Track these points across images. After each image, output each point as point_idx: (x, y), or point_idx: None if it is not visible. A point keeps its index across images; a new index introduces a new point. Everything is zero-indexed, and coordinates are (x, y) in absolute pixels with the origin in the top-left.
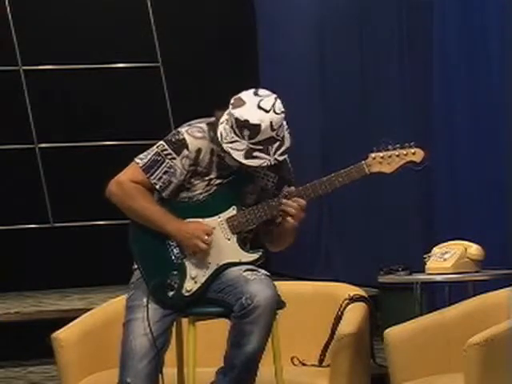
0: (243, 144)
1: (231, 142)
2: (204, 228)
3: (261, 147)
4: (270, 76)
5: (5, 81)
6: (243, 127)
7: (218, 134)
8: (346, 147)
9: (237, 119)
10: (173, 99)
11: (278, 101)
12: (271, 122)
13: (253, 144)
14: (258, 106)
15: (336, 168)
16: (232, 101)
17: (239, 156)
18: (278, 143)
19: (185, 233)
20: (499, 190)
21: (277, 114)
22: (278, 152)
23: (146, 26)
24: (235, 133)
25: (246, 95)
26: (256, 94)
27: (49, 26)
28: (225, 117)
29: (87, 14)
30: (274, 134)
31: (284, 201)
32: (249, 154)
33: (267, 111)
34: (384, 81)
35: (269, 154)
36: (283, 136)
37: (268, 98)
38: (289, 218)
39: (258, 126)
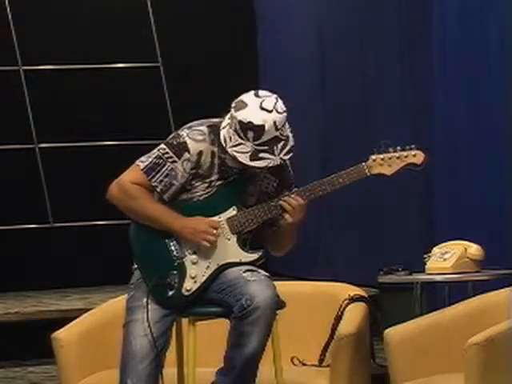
0: (248, 146)
1: (236, 146)
2: (209, 222)
3: (266, 148)
4: (270, 76)
5: (5, 81)
6: (247, 129)
7: (221, 139)
8: (346, 147)
9: (240, 122)
10: (173, 99)
11: (280, 100)
12: (275, 122)
13: (258, 145)
14: (260, 107)
15: (336, 168)
16: (233, 104)
17: (245, 158)
18: (282, 142)
19: (190, 229)
20: (499, 189)
21: (279, 113)
22: (284, 151)
23: (146, 26)
24: (239, 135)
25: (247, 97)
26: (257, 95)
27: (49, 26)
28: (226, 121)
29: (87, 14)
30: (278, 133)
31: (283, 198)
32: (254, 156)
33: (270, 111)
34: (384, 81)
35: (274, 154)
36: (287, 135)
37: (269, 99)
38: (287, 216)
39: (262, 126)
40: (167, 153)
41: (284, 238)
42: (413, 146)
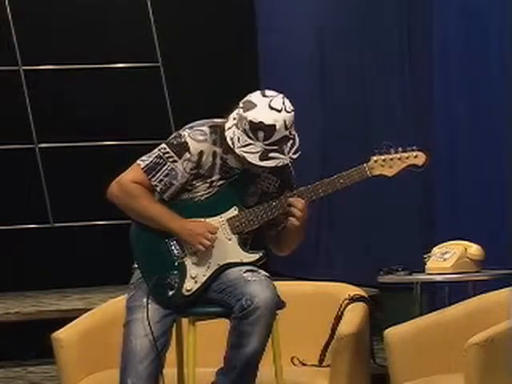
0: (258, 146)
1: (245, 146)
2: (208, 226)
3: (276, 147)
4: (270, 76)
5: (5, 81)
6: (258, 129)
7: (228, 140)
8: (346, 147)
9: (251, 122)
10: (173, 99)
11: (286, 99)
12: (285, 121)
13: (268, 145)
14: (269, 107)
15: (336, 168)
16: (241, 104)
17: (254, 159)
18: (291, 141)
19: (188, 230)
20: (499, 189)
21: (288, 112)
22: (292, 150)
23: (146, 26)
24: (248, 136)
25: (255, 97)
26: (264, 95)
27: (49, 26)
28: (231, 121)
29: (87, 14)
30: (287, 132)
31: (285, 199)
32: (264, 156)
33: (279, 111)
34: (384, 81)
35: (284, 154)
36: (294, 134)
37: (277, 98)
38: (292, 219)
39: (273, 126)
40: (168, 152)
41: (289, 237)
42: (414, 146)
